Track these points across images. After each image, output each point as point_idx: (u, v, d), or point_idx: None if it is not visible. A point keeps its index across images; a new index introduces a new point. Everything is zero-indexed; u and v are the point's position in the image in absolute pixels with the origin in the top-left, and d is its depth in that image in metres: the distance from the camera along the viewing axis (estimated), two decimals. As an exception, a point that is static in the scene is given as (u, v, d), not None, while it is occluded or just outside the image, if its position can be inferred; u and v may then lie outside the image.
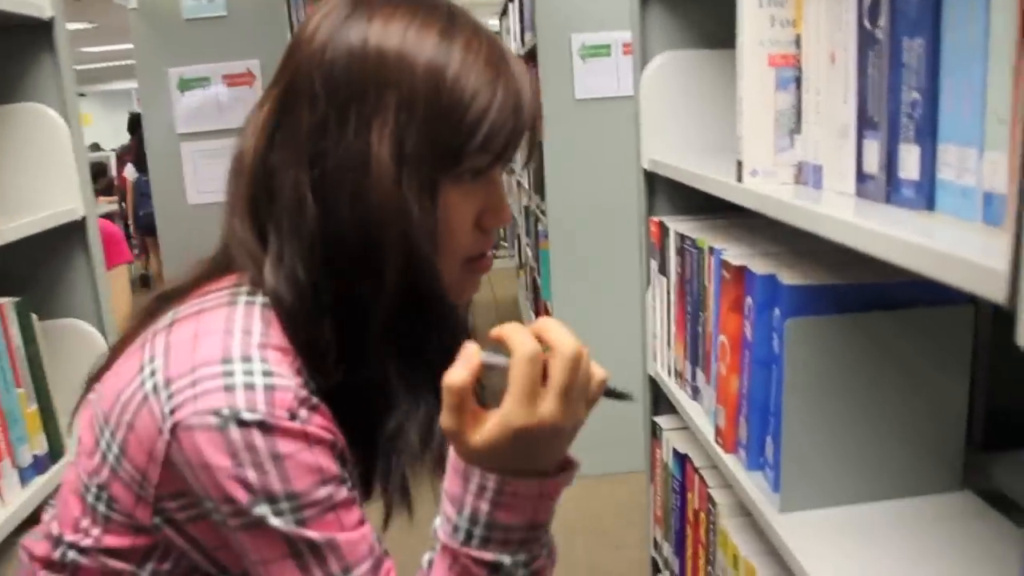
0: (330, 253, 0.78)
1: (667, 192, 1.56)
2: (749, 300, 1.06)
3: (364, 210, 0.76)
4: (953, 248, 0.60)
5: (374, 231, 0.76)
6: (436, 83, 0.76)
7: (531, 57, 3.29)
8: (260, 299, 0.79)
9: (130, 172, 7.29)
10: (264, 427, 0.70)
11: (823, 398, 0.97)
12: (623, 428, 1.97)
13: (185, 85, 3.27)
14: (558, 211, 3.12)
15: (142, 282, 7.23)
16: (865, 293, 0.97)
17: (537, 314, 4.04)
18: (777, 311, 1.00)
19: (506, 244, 6.87)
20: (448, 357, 0.71)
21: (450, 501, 0.73)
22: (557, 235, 3.16)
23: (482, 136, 0.77)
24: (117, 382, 0.78)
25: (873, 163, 0.82)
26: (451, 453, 0.73)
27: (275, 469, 0.71)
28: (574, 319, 3.07)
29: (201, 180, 3.28)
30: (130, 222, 7.51)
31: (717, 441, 1.19)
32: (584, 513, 2.95)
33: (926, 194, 0.74)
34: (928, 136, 0.74)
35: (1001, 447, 1.08)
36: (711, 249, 1.21)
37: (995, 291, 0.53)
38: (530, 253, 4.49)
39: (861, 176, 0.85)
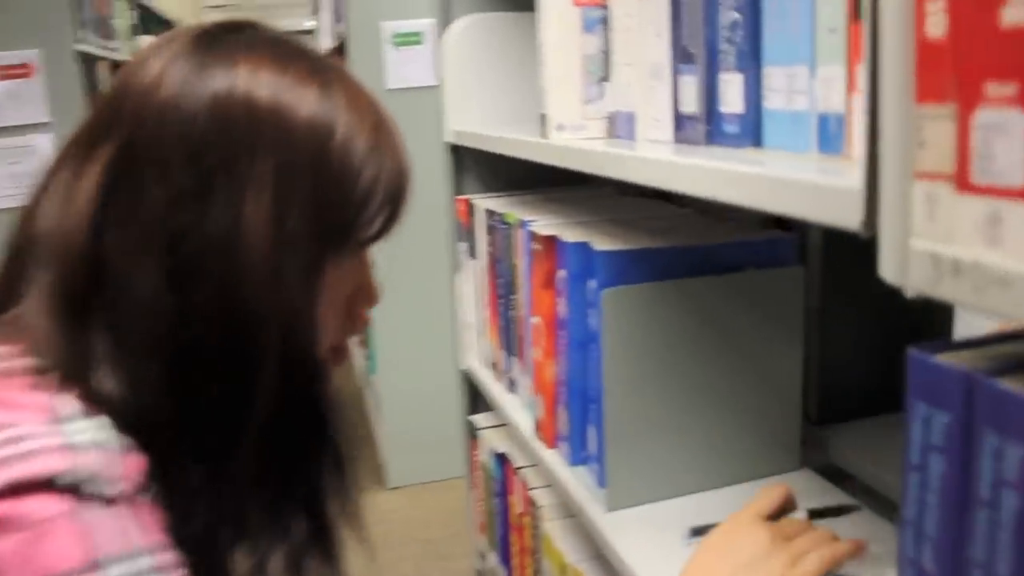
0: (189, 361, 0.60)
1: (476, 169, 1.43)
2: (562, 273, 0.94)
3: (235, 305, 0.60)
4: (792, 173, 0.49)
5: (249, 330, 0.60)
6: (321, 146, 0.61)
7: (340, 49, 3.12)
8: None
9: None
10: None
11: (648, 378, 0.86)
12: (446, 430, 1.83)
13: (-51, 78, 2.88)
14: (372, 206, 2.94)
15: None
16: (687, 257, 0.87)
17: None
18: (592, 282, 0.89)
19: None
20: (332, 474, 0.63)
21: None
22: (371, 233, 2.98)
23: (375, 207, 0.65)
24: None
25: (691, 101, 0.71)
26: None
27: None
28: (389, 319, 2.96)
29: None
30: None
31: (537, 436, 1.06)
32: (410, 523, 2.80)
33: (752, 128, 0.63)
34: (751, 61, 0.63)
35: (834, 421, 1.00)
36: (521, 222, 1.08)
37: (848, 215, 0.42)
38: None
39: (679, 119, 0.74)
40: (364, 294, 0.71)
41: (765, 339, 0.89)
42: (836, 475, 0.93)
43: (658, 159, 0.64)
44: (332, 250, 0.64)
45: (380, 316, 2.94)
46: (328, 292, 0.65)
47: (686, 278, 0.86)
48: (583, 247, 0.90)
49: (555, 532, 1.10)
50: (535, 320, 1.02)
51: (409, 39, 3.06)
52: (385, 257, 2.92)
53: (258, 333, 0.61)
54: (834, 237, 0.93)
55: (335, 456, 0.70)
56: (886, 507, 0.84)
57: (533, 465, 1.20)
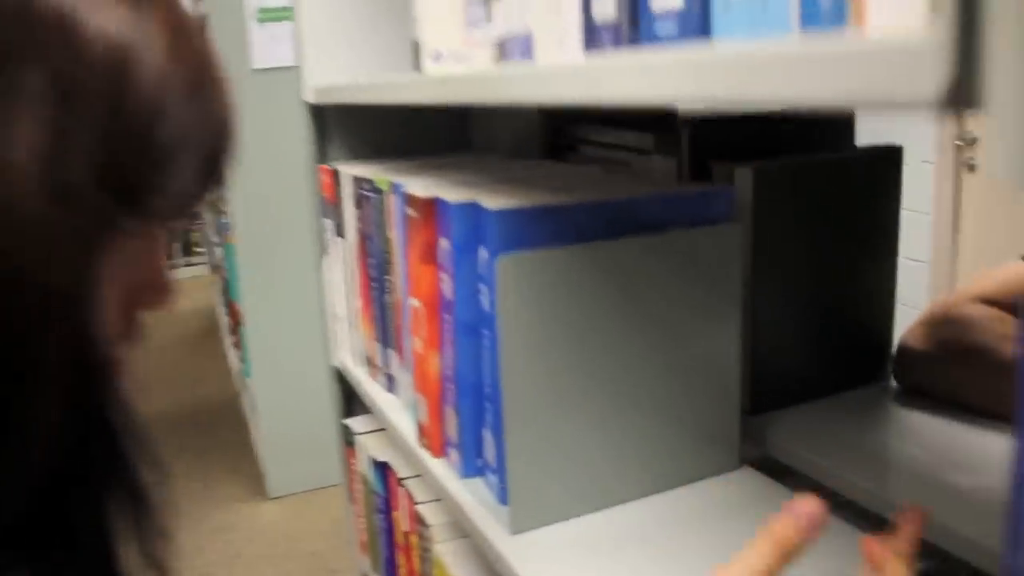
0: None
1: (343, 134, 1.23)
2: (444, 243, 0.76)
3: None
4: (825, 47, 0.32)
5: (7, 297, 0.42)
6: (119, 72, 0.44)
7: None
8: None
9: None
10: None
11: (555, 368, 0.69)
12: (326, 435, 1.62)
13: None
14: (240, 198, 2.69)
15: None
16: (600, 215, 0.70)
17: (233, 319, 3.56)
18: (483, 251, 0.71)
19: (201, 248, 6.24)
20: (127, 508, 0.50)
21: None
22: (242, 225, 2.73)
23: (182, 167, 0.48)
24: None
25: (608, 5, 0.54)
26: None
27: None
28: (267, 316, 2.72)
29: None
30: None
31: (421, 442, 0.88)
32: (294, 536, 2.58)
33: (698, 24, 0.47)
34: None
35: (768, 409, 0.85)
36: (393, 186, 0.90)
37: (929, 83, 0.25)
38: (219, 252, 4.00)
39: (592, 32, 0.57)
40: (153, 291, 0.51)
41: (697, 314, 0.73)
42: (776, 470, 0.78)
43: (608, 65, 0.45)
44: (121, 215, 0.45)
45: (253, 312, 2.71)
46: (110, 274, 0.45)
47: (599, 241, 0.69)
48: (470, 209, 0.72)
49: (448, 555, 0.92)
50: (414, 303, 0.83)
51: (276, 14, 2.83)
52: (256, 243, 2.72)
53: (20, 301, 0.41)
54: (763, 198, 0.78)
55: (131, 487, 0.51)
56: (836, 502, 0.69)
57: (420, 476, 1.02)
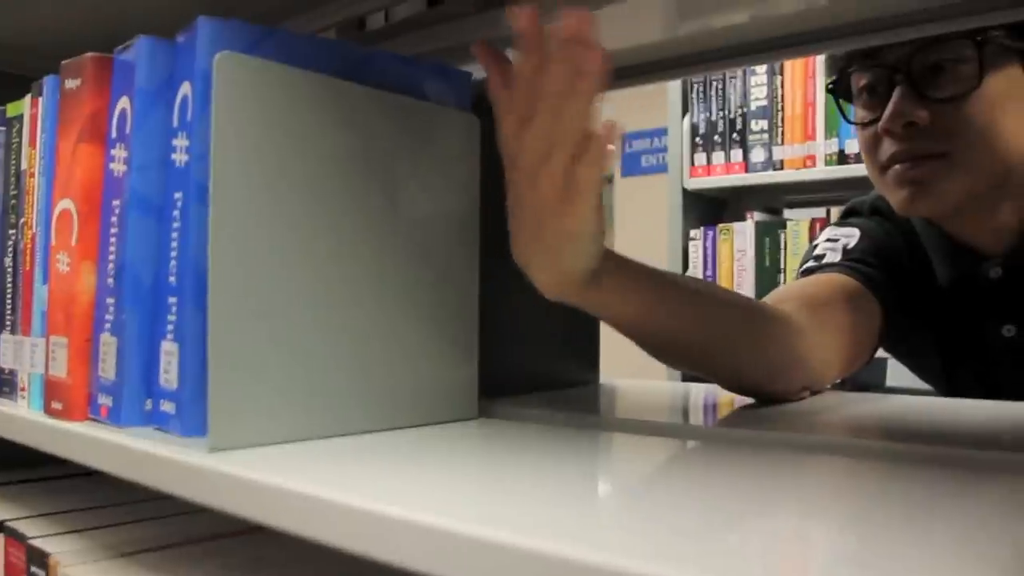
0: None
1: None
2: (123, 103, 0.58)
3: None
4: None
5: None
6: None
7: None
8: None
9: None
10: None
11: (277, 248, 0.53)
12: None
13: None
14: None
15: None
16: (334, 50, 0.58)
17: None
18: (187, 86, 0.54)
19: None
20: None
21: None
22: None
23: None
24: None
25: None
26: None
27: None
28: None
29: None
30: None
31: (52, 410, 0.63)
32: None
33: None
34: None
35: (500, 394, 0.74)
36: (43, 83, 0.69)
37: None
38: None
39: None
40: None
41: (438, 223, 0.62)
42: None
43: None
44: None
45: None
46: None
47: (334, 76, 0.56)
48: (166, 45, 0.56)
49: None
50: (64, 207, 0.62)
51: None
52: None
53: None
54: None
55: None
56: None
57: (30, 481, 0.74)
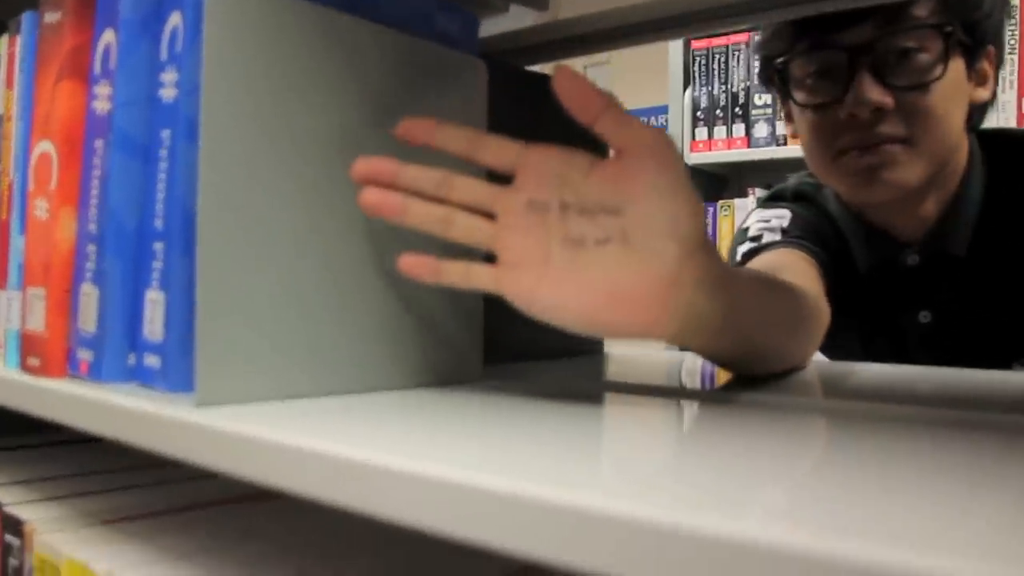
0: None
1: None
2: (108, 36, 0.54)
3: None
4: None
5: None
6: None
7: None
8: None
9: None
10: None
11: (271, 196, 0.49)
12: None
13: None
14: None
15: None
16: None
17: None
18: (177, 15, 0.50)
19: None
20: None
21: None
22: None
23: None
24: None
25: None
26: None
27: None
28: None
29: None
30: None
31: (29, 365, 0.59)
32: None
33: None
34: None
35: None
36: (19, 20, 0.65)
37: None
38: None
39: None
40: None
41: (442, 153, 0.58)
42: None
43: None
44: None
45: None
46: None
47: (335, 8, 0.52)
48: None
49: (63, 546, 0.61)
50: (44, 149, 0.58)
51: None
52: None
53: None
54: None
55: None
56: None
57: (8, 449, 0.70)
